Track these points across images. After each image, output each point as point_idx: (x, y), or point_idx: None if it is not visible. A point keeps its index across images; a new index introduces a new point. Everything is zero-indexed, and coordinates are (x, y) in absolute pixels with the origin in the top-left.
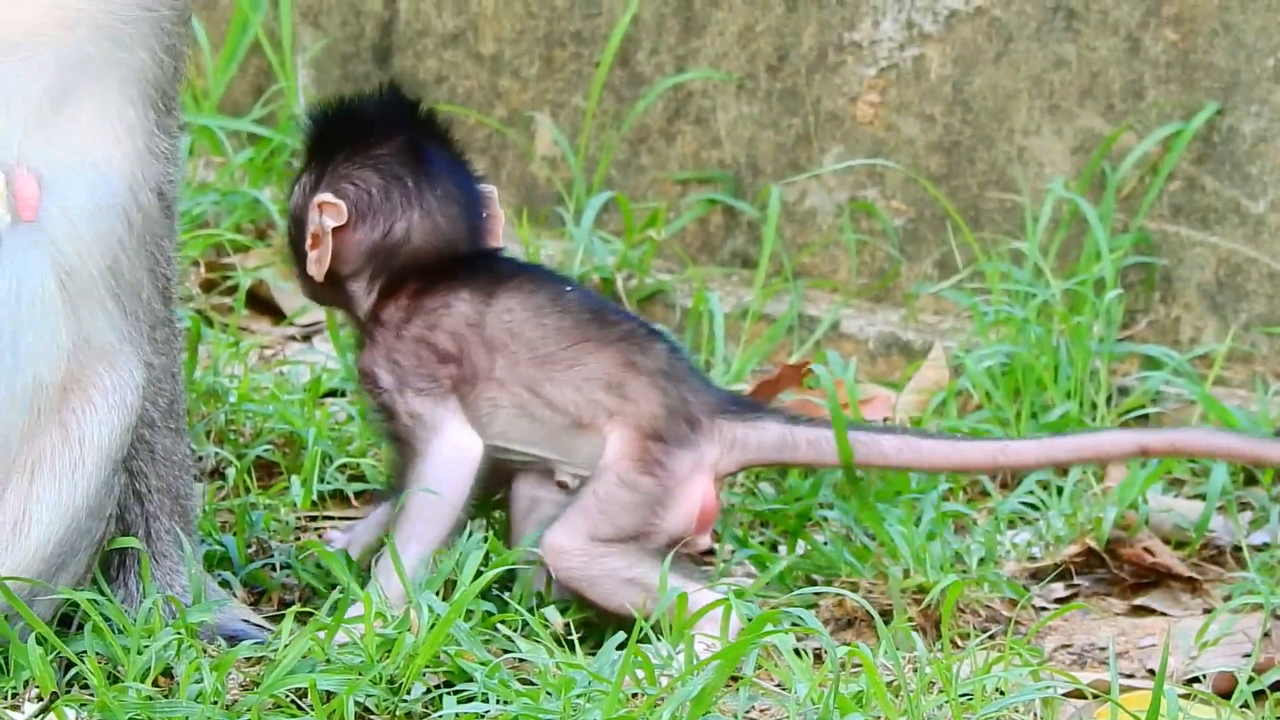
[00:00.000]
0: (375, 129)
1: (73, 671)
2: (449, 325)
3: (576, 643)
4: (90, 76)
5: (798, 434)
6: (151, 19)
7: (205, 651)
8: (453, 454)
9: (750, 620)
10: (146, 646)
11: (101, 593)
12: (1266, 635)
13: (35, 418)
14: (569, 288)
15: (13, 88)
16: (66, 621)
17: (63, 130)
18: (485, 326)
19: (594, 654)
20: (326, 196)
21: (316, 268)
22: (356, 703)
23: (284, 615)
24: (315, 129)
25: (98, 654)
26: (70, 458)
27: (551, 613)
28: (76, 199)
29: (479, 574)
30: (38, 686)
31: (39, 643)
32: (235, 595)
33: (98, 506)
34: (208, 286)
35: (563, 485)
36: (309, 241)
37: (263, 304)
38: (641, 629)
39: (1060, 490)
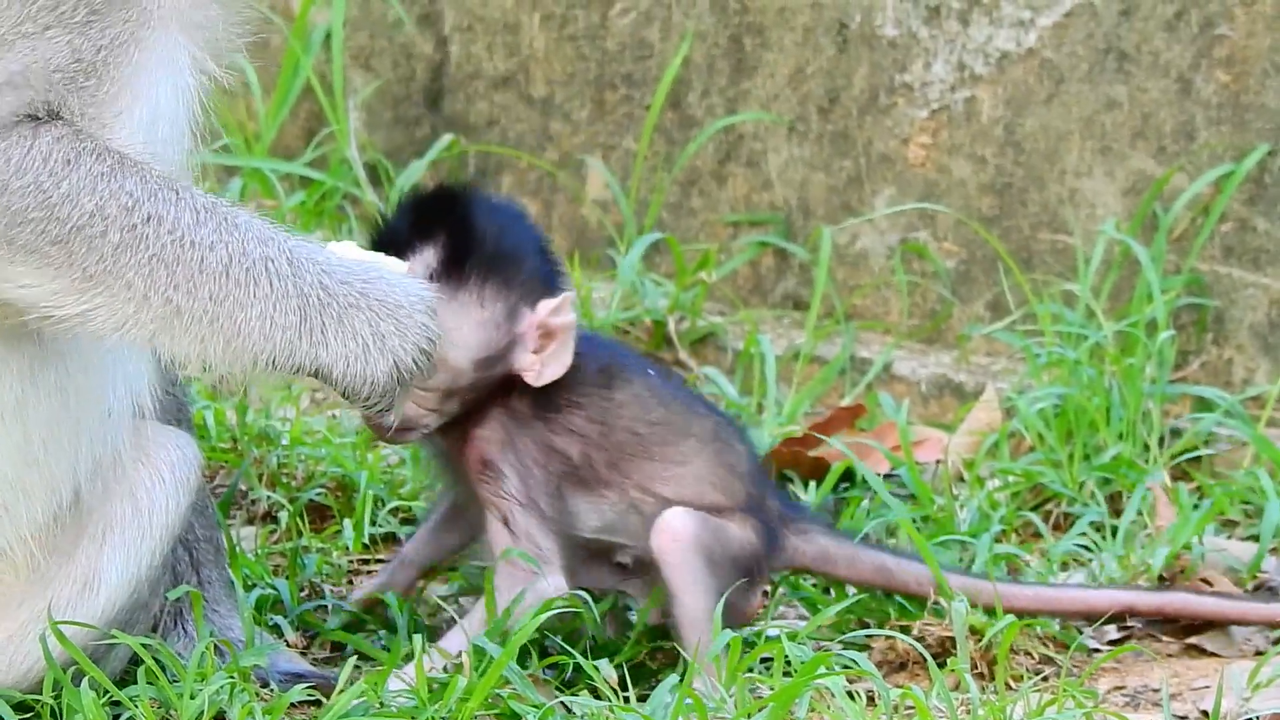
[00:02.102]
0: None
1: (126, 717)
2: (577, 426)
3: (630, 685)
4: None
5: (837, 551)
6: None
7: (258, 695)
8: (544, 594)
9: (803, 663)
10: (199, 691)
11: (154, 634)
12: None
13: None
14: (650, 370)
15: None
16: (124, 673)
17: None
18: (610, 428)
19: (648, 695)
20: (548, 305)
21: (553, 370)
22: None
23: (334, 659)
24: (443, 236)
25: (151, 699)
26: (140, 528)
27: (604, 664)
28: None
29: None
30: None
31: (92, 688)
32: (286, 639)
33: (156, 580)
34: None
35: (621, 565)
36: (529, 357)
37: None
38: (694, 672)
39: (1114, 531)
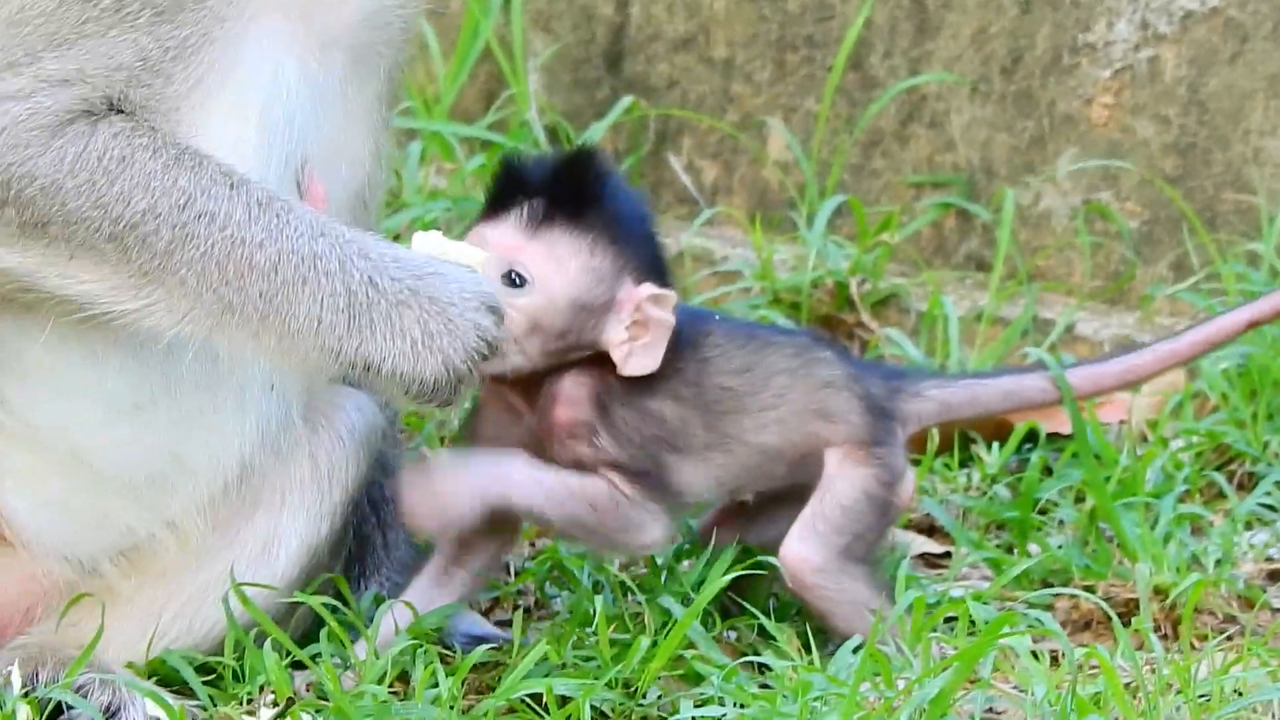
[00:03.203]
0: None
1: (308, 677)
2: (673, 390)
3: (813, 646)
4: (365, 74)
5: (954, 393)
6: (404, 17)
7: (440, 657)
8: (649, 545)
9: (987, 623)
10: (383, 652)
11: (339, 598)
12: None
13: (304, 411)
14: (716, 316)
15: (314, 84)
16: (306, 635)
17: (333, 124)
18: (703, 388)
19: (830, 656)
20: (652, 289)
21: (640, 362)
22: (592, 706)
23: (514, 620)
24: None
25: (334, 660)
26: (319, 490)
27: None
28: (334, 193)
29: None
30: (274, 692)
31: (274, 649)
32: (470, 601)
33: (338, 542)
34: None
35: (744, 505)
36: (621, 333)
37: None
38: (879, 632)
39: None
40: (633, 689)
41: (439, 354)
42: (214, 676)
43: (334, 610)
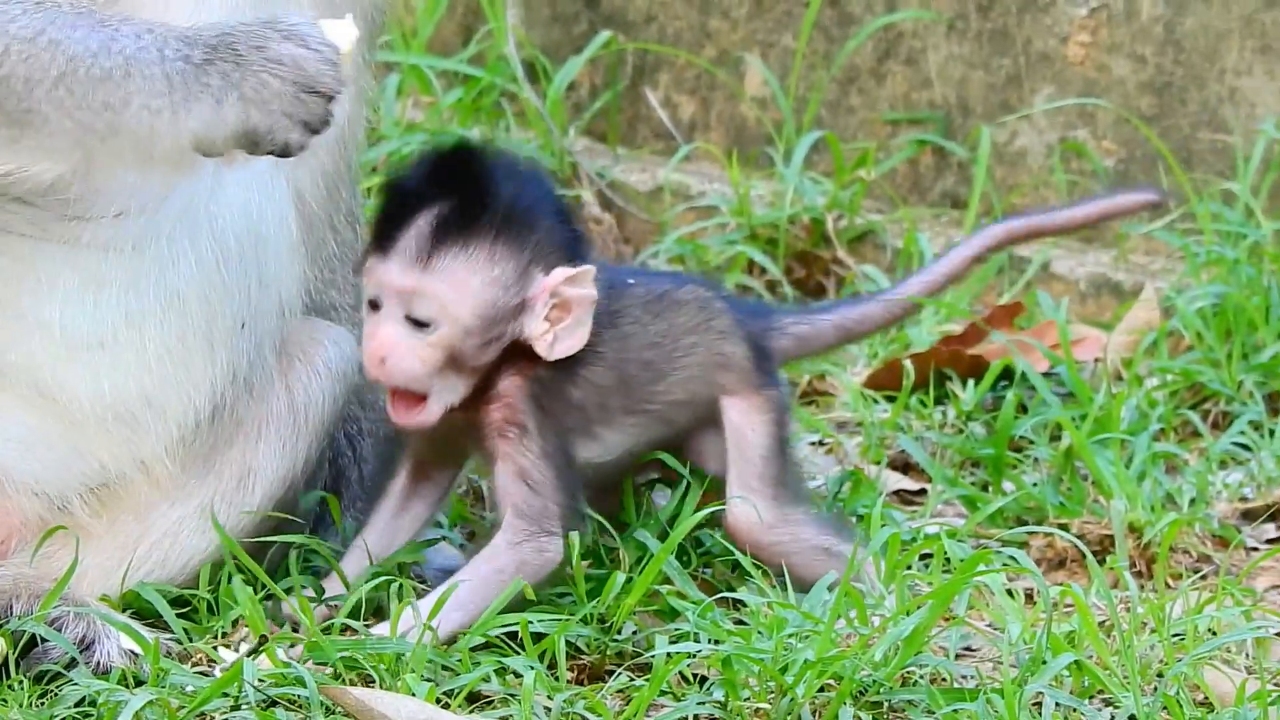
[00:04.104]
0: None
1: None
2: (597, 376)
3: (789, 582)
4: (345, 5)
5: (807, 329)
6: None
7: (415, 591)
8: (549, 558)
9: (962, 560)
10: (356, 585)
11: (312, 533)
12: None
13: (279, 345)
14: (631, 280)
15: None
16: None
17: None
18: (624, 365)
19: (806, 593)
20: (565, 273)
21: (566, 344)
22: (567, 642)
23: None
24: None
25: (307, 593)
26: (295, 423)
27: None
28: None
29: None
30: (248, 626)
31: (249, 584)
32: (444, 535)
33: (313, 474)
34: None
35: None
36: (541, 324)
37: None
38: (854, 569)
39: (1273, 432)
40: (608, 625)
41: (235, 89)
42: (188, 609)
43: (309, 546)
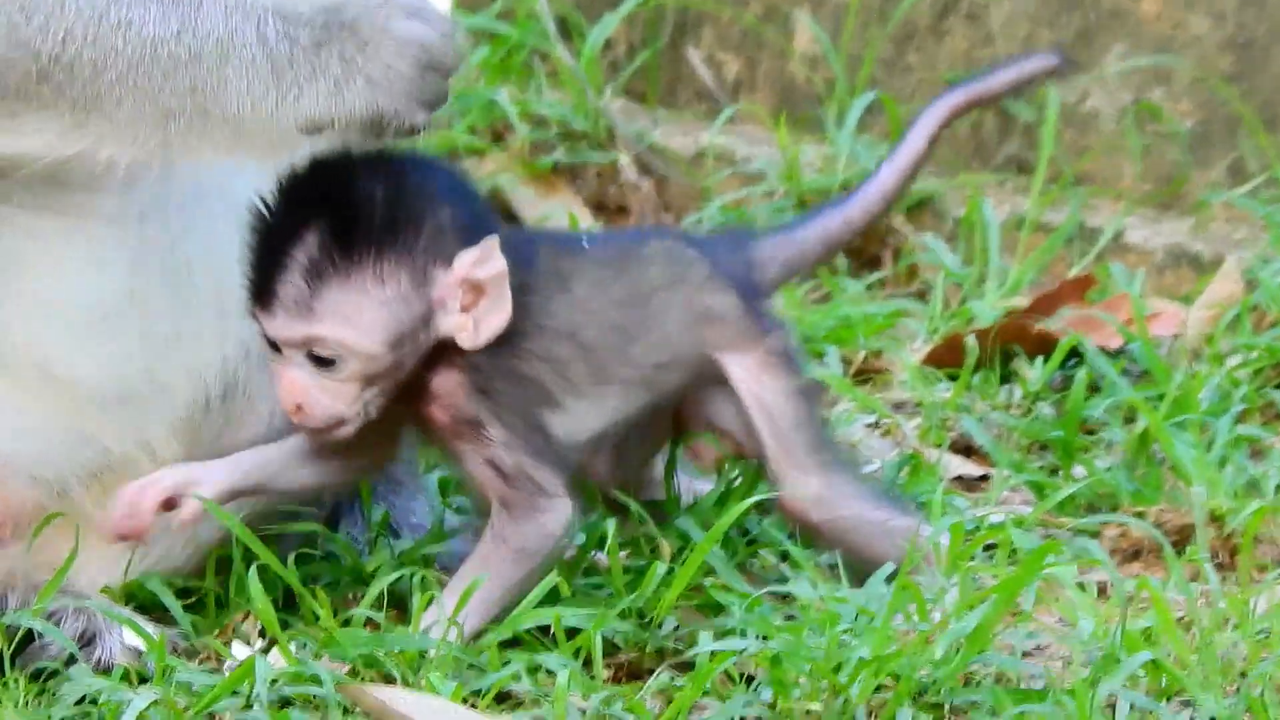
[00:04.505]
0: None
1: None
2: (544, 349)
3: (843, 574)
4: None
5: (787, 250)
6: None
7: (439, 583)
8: (553, 529)
9: (1030, 551)
10: (375, 577)
11: (334, 521)
12: None
13: None
14: (584, 241)
15: None
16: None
17: None
18: (580, 331)
19: (860, 586)
20: (467, 258)
21: (491, 326)
22: (604, 638)
23: None
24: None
25: (326, 585)
26: None
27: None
28: None
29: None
30: (260, 622)
31: (264, 574)
32: (473, 525)
33: None
34: None
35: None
36: (457, 318)
37: (499, 210)
38: (913, 560)
39: None
40: (647, 619)
41: (361, 74)
42: (194, 600)
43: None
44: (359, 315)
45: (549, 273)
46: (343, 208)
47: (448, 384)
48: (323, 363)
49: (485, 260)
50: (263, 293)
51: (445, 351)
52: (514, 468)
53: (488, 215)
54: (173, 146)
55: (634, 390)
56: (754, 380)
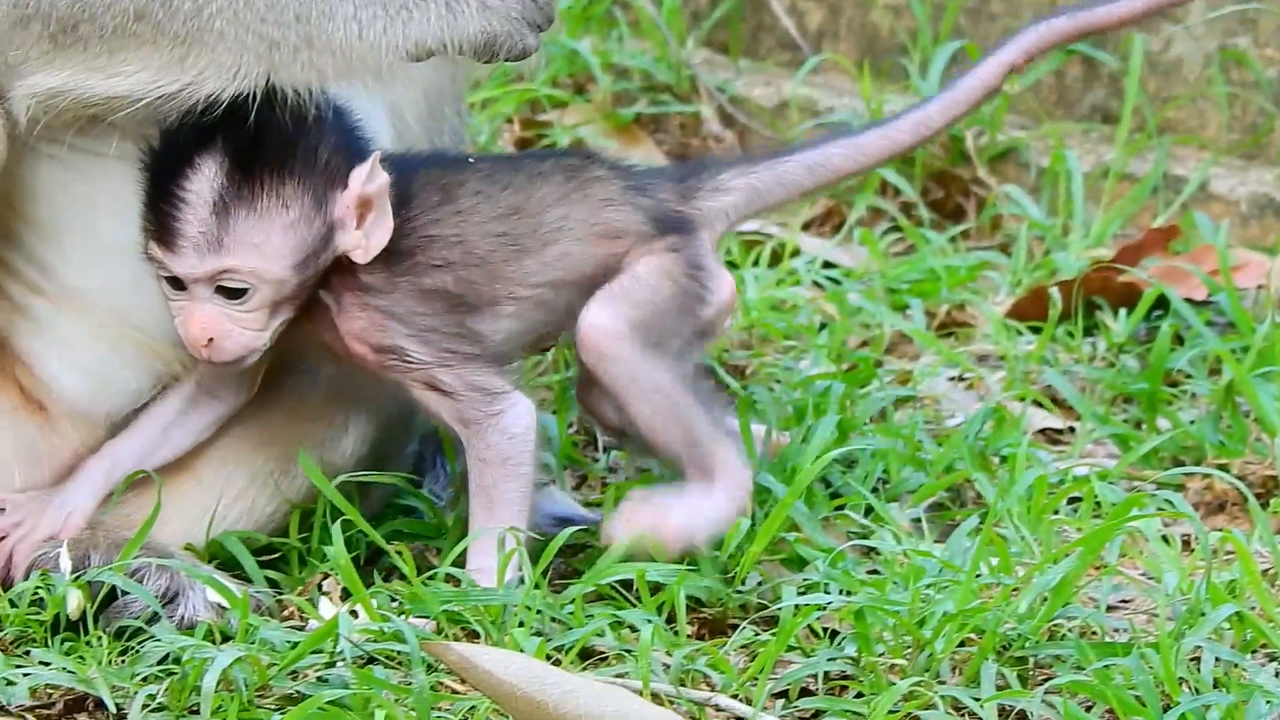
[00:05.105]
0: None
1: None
2: (439, 257)
3: (925, 529)
4: None
5: (758, 177)
6: None
7: (519, 540)
8: (518, 424)
9: (1114, 504)
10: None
11: (413, 480)
12: None
13: None
14: (470, 159)
15: None
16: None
17: None
18: (470, 241)
19: (944, 540)
20: (359, 175)
21: (378, 239)
22: (687, 594)
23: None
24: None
25: (409, 541)
26: None
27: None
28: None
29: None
30: (343, 581)
31: (345, 530)
32: (554, 479)
33: (409, 416)
34: (522, 145)
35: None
36: (350, 228)
37: None
38: (997, 514)
39: None
40: (730, 575)
41: (475, 1)
42: (277, 557)
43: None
44: (268, 242)
45: (432, 185)
46: (239, 140)
47: (358, 322)
48: (232, 294)
49: (372, 175)
50: (166, 232)
51: (349, 285)
52: (453, 382)
53: (368, 136)
54: (278, 75)
55: (534, 309)
56: (637, 256)
